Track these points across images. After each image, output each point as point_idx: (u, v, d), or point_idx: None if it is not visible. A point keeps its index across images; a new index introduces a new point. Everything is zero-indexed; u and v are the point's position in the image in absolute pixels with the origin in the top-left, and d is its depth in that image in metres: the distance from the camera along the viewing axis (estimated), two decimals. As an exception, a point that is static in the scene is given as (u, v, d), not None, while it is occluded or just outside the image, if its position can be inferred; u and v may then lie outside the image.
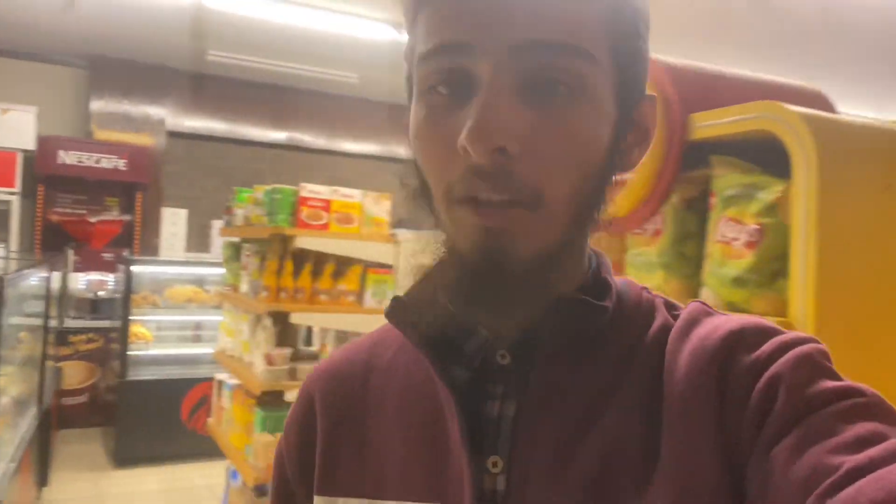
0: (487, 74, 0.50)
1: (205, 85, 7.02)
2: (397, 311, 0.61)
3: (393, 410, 0.62)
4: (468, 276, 0.53)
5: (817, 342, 0.53)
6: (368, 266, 3.27)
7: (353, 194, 3.27)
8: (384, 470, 0.60)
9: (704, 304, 0.60)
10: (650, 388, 0.54)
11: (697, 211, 1.29)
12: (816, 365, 0.50)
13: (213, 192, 7.02)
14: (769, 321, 0.56)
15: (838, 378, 0.50)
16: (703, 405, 0.51)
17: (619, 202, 1.21)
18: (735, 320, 0.56)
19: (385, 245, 3.26)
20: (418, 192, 0.58)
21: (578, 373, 0.56)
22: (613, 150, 0.55)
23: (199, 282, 5.88)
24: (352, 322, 3.22)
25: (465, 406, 0.56)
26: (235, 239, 3.83)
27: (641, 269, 1.39)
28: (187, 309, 5.71)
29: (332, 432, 0.64)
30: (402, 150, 8.12)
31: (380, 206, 3.32)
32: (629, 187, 1.30)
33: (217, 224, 6.17)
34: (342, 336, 3.29)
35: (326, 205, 3.20)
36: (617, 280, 0.61)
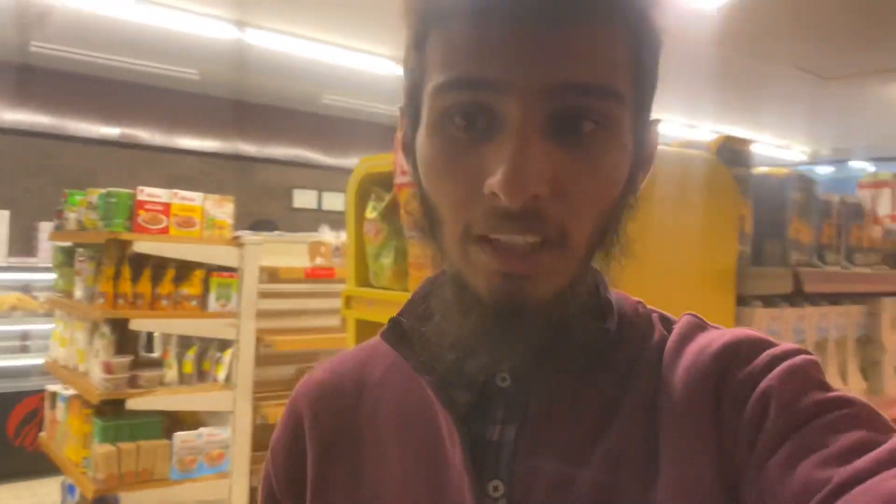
0: (516, 114, 0.48)
1: (28, 77, 6.54)
2: (396, 334, 0.61)
3: (387, 431, 0.61)
4: (483, 317, 0.51)
5: (809, 354, 0.53)
6: (211, 269, 3.25)
7: (194, 197, 3.23)
8: (380, 493, 0.58)
9: (697, 316, 0.60)
10: (648, 407, 0.54)
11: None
12: (807, 377, 0.51)
13: (38, 192, 6.55)
14: (760, 333, 0.56)
15: (828, 389, 0.50)
16: (699, 423, 0.51)
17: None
18: (728, 334, 0.56)
19: (228, 248, 3.26)
20: (424, 223, 0.56)
21: (578, 395, 0.56)
22: (629, 181, 0.54)
23: (25, 288, 5.49)
24: (195, 327, 3.20)
25: (466, 429, 0.55)
26: (68, 244, 3.66)
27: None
28: (12, 318, 5.31)
29: (323, 454, 0.62)
30: (245, 147, 7.98)
31: (222, 209, 3.30)
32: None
33: (45, 226, 5.77)
34: (185, 341, 3.25)
35: (166, 208, 3.14)
36: (613, 294, 0.60)
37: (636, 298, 0.63)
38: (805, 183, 1.61)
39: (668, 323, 0.61)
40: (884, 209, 2.10)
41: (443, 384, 0.57)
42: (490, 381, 0.57)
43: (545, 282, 0.51)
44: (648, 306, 0.63)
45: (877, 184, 2.17)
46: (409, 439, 0.59)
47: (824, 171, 10.13)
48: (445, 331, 0.55)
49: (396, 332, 0.61)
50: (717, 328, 0.58)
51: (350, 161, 8.53)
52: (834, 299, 1.62)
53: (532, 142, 0.47)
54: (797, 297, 1.51)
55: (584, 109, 0.49)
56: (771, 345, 0.54)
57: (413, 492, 0.57)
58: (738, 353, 0.54)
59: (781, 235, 1.55)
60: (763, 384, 0.50)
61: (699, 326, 0.58)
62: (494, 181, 0.47)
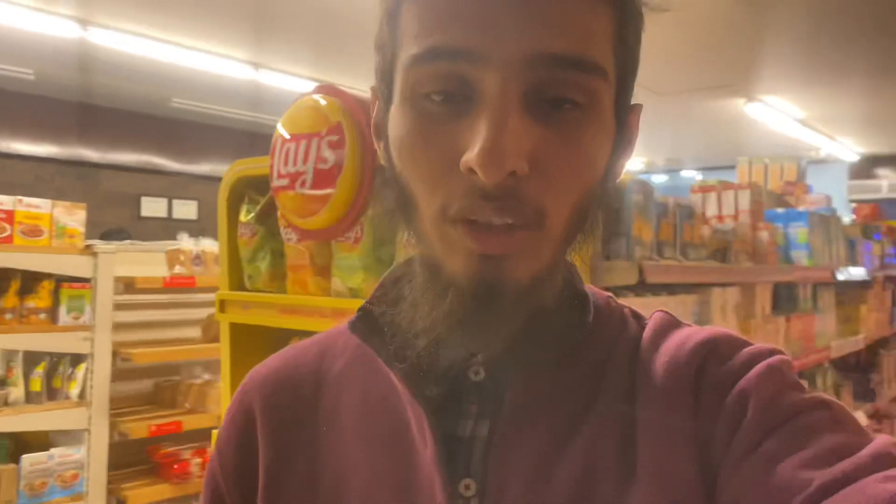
0: (494, 87, 0.45)
1: None
2: (366, 324, 0.58)
3: (349, 428, 0.57)
4: (458, 302, 0.48)
5: (783, 353, 0.53)
6: (62, 280, 3.07)
7: (41, 204, 3.05)
8: (342, 493, 0.55)
9: (668, 313, 0.59)
10: (624, 403, 0.53)
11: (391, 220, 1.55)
12: (784, 377, 0.51)
13: None
14: (734, 332, 0.56)
15: (804, 390, 0.50)
16: (678, 417, 0.50)
17: (324, 214, 1.40)
18: (704, 332, 0.55)
19: (80, 257, 3.10)
20: (396, 205, 0.53)
21: (553, 390, 0.54)
22: (610, 163, 0.53)
23: None
24: (44, 341, 3.01)
25: (438, 425, 0.52)
26: None
27: (345, 270, 1.58)
28: None
29: (278, 451, 0.58)
30: (88, 153, 7.50)
31: (73, 217, 3.14)
32: (333, 201, 1.49)
33: None
34: (32, 357, 3.05)
35: (9, 216, 2.95)
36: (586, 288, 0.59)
37: (606, 293, 0.61)
38: (644, 187, 1.80)
39: (639, 318, 0.60)
40: (711, 210, 2.37)
41: (414, 377, 0.54)
42: (462, 375, 0.55)
43: (524, 263, 0.48)
44: (619, 301, 0.62)
45: (705, 189, 2.45)
46: (374, 436, 0.56)
47: (659, 179, 10.94)
48: (418, 316, 0.52)
49: (367, 323, 0.58)
50: (690, 325, 0.58)
51: (202, 168, 8.25)
52: (671, 289, 1.82)
53: (510, 115, 0.45)
54: (640, 287, 1.69)
55: (565, 83, 0.47)
56: (747, 343, 0.54)
57: (380, 490, 0.54)
58: (716, 350, 0.53)
59: (626, 234, 1.72)
60: (742, 382, 0.50)
61: (673, 323, 0.58)
62: (471, 156, 0.45)
